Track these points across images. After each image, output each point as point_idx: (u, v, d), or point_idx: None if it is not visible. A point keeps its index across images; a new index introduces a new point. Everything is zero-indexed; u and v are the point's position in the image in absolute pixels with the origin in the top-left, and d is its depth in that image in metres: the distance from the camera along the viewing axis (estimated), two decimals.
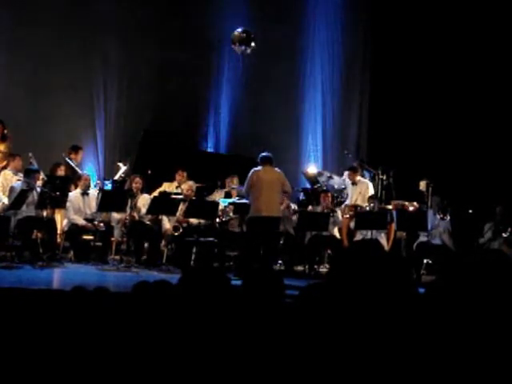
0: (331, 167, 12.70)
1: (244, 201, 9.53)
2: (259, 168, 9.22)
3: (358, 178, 10.81)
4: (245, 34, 10.06)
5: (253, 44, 10.12)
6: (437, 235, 9.91)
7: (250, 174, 9.20)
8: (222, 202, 10.22)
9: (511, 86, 12.66)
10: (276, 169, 9.31)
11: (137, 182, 9.87)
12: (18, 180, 9.53)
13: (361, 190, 10.73)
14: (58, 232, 9.57)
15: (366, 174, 11.68)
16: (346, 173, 11.14)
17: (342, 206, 10.72)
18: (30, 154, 10.22)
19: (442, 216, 9.93)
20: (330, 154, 13.60)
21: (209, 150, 13.14)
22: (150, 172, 10.84)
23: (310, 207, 10.64)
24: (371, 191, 10.82)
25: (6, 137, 10.54)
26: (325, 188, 11.12)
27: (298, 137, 13.61)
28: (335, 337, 2.84)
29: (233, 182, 10.71)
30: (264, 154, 9.37)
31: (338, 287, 3.05)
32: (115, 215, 9.80)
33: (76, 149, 11.07)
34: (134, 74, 12.70)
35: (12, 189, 9.16)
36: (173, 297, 3.19)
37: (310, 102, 13.73)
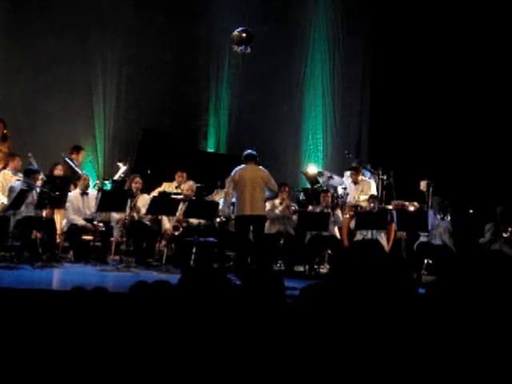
0: (331, 167, 12.70)
1: None
2: (242, 166, 9.27)
3: (360, 177, 10.93)
4: (245, 34, 10.04)
5: (252, 44, 10.10)
6: (437, 235, 9.90)
7: (233, 173, 9.25)
8: (222, 202, 10.21)
9: (511, 86, 12.66)
10: (260, 167, 9.34)
11: (137, 182, 9.85)
12: (18, 180, 9.51)
13: (363, 189, 10.81)
14: (58, 232, 9.55)
15: (366, 173, 11.70)
16: (347, 173, 11.21)
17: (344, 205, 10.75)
18: (30, 154, 10.22)
19: (442, 216, 9.92)
20: (330, 154, 13.60)
21: (209, 150, 13.13)
22: (149, 172, 10.83)
23: (310, 207, 10.63)
24: (373, 190, 10.88)
25: (7, 137, 10.54)
26: (325, 188, 11.12)
27: (298, 137, 13.60)
28: (335, 336, 2.84)
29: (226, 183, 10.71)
30: (248, 151, 9.41)
31: (339, 287, 3.05)
32: (115, 215, 9.78)
33: (78, 149, 11.08)
34: (133, 74, 12.69)
35: (11, 189, 9.14)
36: (172, 297, 3.19)
37: (310, 102, 13.73)
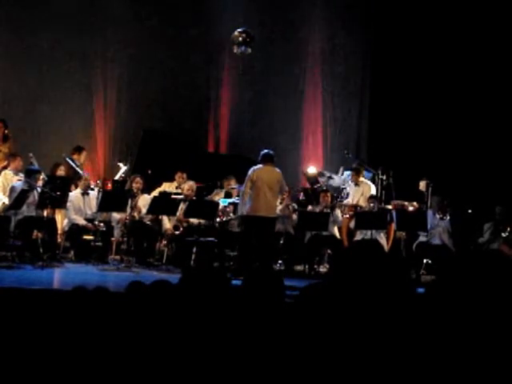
0: (331, 167, 12.71)
1: None
2: (260, 166, 9.17)
3: (361, 179, 10.90)
4: (245, 35, 10.06)
5: (252, 44, 10.12)
6: (436, 235, 9.92)
7: (250, 172, 9.13)
8: (222, 202, 10.23)
9: (511, 86, 12.67)
10: (276, 168, 9.28)
11: (137, 182, 9.89)
12: (19, 180, 9.54)
13: (363, 191, 10.79)
14: (59, 232, 9.57)
15: (367, 174, 11.72)
16: (347, 172, 11.22)
17: (342, 205, 10.77)
18: (31, 155, 10.24)
19: (441, 216, 9.94)
20: (330, 155, 13.61)
21: (209, 150, 13.14)
22: (149, 172, 10.85)
23: (309, 207, 10.65)
24: (373, 192, 10.89)
25: (8, 137, 10.56)
26: (325, 188, 11.13)
27: (298, 137, 13.61)
28: (335, 336, 2.85)
29: (230, 184, 10.72)
30: (265, 151, 9.30)
31: (338, 287, 3.06)
32: (115, 215, 9.81)
33: (79, 149, 11.09)
34: (134, 75, 12.70)
35: (12, 189, 9.17)
36: (173, 296, 3.20)
37: (310, 103, 13.73)
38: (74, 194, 9.87)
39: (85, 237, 9.71)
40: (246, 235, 9.25)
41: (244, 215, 9.24)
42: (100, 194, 9.76)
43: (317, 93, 13.75)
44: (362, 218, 10.06)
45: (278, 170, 9.26)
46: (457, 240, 9.98)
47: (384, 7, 13.51)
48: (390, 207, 10.76)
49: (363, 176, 11.16)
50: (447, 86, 12.96)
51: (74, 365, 3.02)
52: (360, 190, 10.85)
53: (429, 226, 9.79)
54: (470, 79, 12.82)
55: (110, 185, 10.99)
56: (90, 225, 9.66)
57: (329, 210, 10.16)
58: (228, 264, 9.84)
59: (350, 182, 11.07)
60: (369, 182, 11.12)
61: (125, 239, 9.80)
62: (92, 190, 10.24)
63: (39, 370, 3.03)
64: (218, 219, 10.06)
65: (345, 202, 10.83)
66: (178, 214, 9.77)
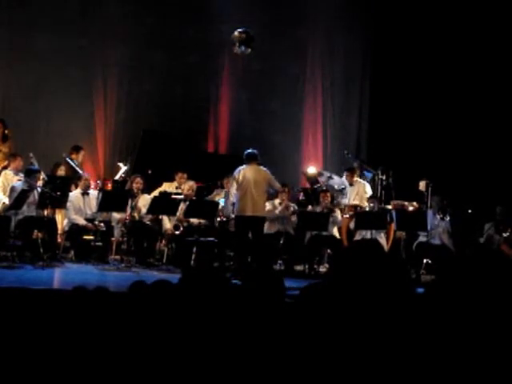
0: (331, 167, 12.71)
1: None
2: (245, 166, 9.22)
3: (356, 178, 10.97)
4: (244, 35, 10.06)
5: (252, 44, 10.11)
6: (436, 235, 9.92)
7: (235, 173, 9.20)
8: (222, 202, 10.23)
9: (511, 86, 12.67)
10: (262, 167, 9.31)
11: (137, 183, 9.90)
12: (19, 180, 9.55)
13: (358, 191, 10.85)
14: (59, 232, 9.59)
15: (367, 174, 11.72)
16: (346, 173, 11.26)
17: (342, 205, 10.78)
18: (31, 154, 10.25)
19: (441, 216, 9.94)
20: (330, 155, 13.61)
21: (209, 150, 13.14)
22: (150, 172, 10.86)
23: (309, 207, 10.65)
24: (369, 191, 10.92)
25: (8, 137, 10.57)
26: (325, 188, 11.14)
27: (298, 137, 13.60)
28: (335, 336, 2.85)
29: (229, 183, 10.72)
30: (249, 151, 9.35)
31: (338, 287, 3.06)
32: (115, 215, 9.82)
33: (77, 149, 11.10)
34: (134, 75, 12.71)
35: (13, 189, 9.18)
36: (173, 296, 3.21)
37: (309, 102, 13.73)
38: (74, 194, 9.88)
39: (85, 237, 9.72)
40: (237, 235, 9.30)
41: (235, 216, 9.31)
42: (100, 194, 9.77)
43: (317, 93, 13.74)
44: (362, 218, 10.07)
45: (264, 169, 9.30)
46: (457, 240, 9.97)
47: (384, 7, 13.51)
48: (389, 207, 10.77)
49: (358, 176, 11.21)
50: (447, 85, 12.96)
51: (74, 364, 3.02)
52: (355, 190, 10.91)
53: (429, 226, 9.78)
54: (470, 79, 12.83)
55: (110, 185, 11.01)
56: (90, 225, 9.66)
57: (332, 207, 10.19)
58: (228, 264, 9.85)
59: (346, 181, 11.12)
60: (363, 181, 11.16)
61: (125, 239, 9.81)
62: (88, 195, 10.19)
63: (40, 370, 3.03)
64: (218, 219, 10.07)
65: (342, 202, 10.85)
66: (178, 213, 9.77)
